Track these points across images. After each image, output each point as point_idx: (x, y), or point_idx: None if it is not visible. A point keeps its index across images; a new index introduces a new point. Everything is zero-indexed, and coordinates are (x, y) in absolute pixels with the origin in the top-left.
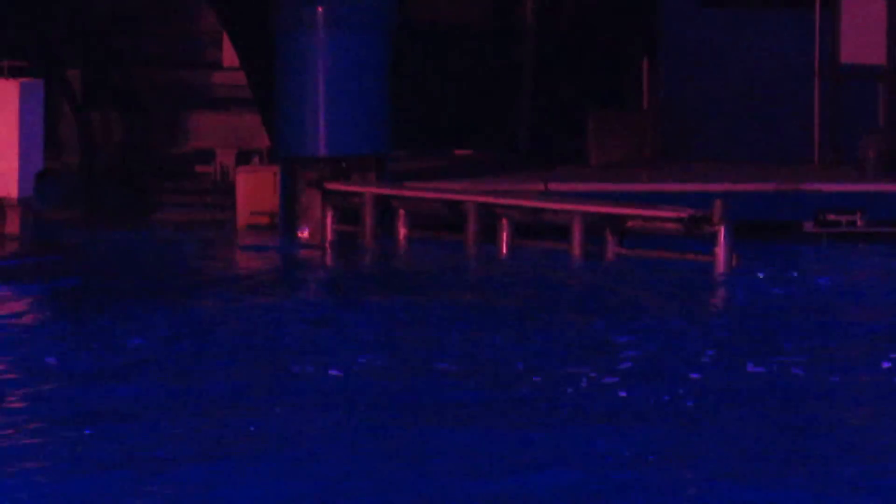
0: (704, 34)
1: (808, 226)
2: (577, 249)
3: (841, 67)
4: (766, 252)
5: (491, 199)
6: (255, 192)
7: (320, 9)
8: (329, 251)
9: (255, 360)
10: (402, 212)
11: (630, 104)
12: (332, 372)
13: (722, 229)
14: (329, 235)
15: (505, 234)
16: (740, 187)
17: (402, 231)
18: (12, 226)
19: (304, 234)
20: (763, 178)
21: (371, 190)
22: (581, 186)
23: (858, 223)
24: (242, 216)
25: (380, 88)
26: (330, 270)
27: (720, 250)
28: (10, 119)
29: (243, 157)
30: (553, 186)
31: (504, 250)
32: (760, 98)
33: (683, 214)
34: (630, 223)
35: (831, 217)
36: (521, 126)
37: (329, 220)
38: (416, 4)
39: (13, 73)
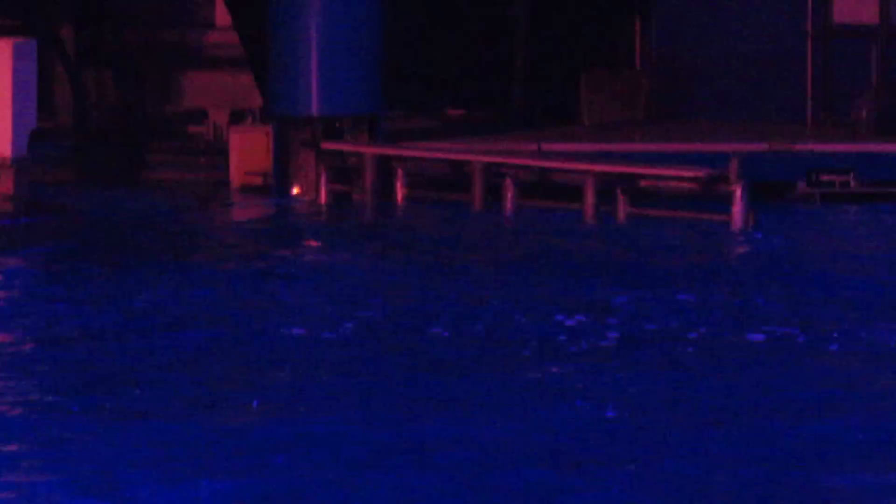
0: None
1: (802, 186)
2: (589, 210)
3: (834, 27)
4: (765, 212)
5: (498, 159)
6: (249, 151)
7: None
8: (325, 210)
9: (247, 322)
10: (400, 171)
11: (622, 63)
12: (326, 334)
13: (739, 188)
14: (323, 195)
15: (510, 195)
16: (733, 147)
17: (401, 191)
18: (5, 186)
19: (297, 192)
20: (756, 138)
21: (371, 150)
22: (574, 146)
23: (852, 184)
24: (236, 176)
25: (373, 48)
26: (328, 229)
27: (737, 209)
28: (4, 79)
29: (236, 117)
30: (546, 146)
31: (509, 211)
32: (753, 58)
33: (700, 174)
34: (643, 182)
35: (825, 178)
36: (513, 85)
37: (323, 180)
38: None
39: (6, 33)
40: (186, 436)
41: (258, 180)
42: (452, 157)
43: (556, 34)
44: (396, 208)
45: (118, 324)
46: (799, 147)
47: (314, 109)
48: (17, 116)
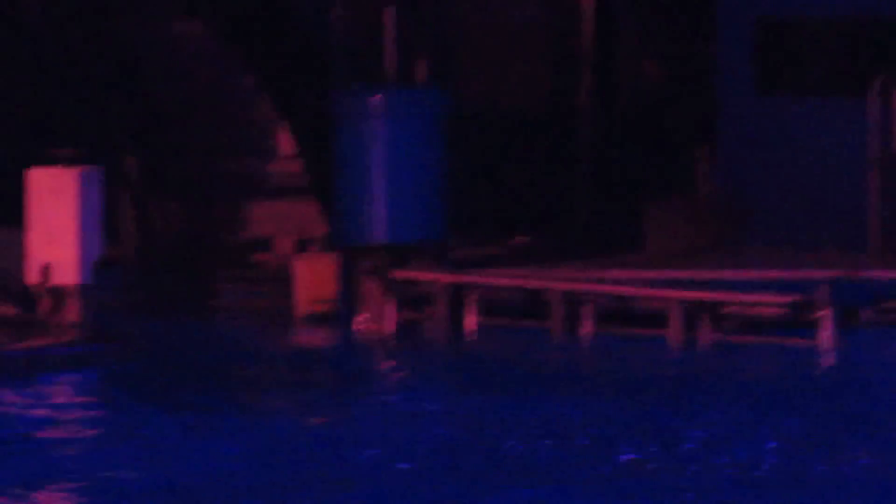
0: (761, 121)
1: (866, 313)
2: (676, 336)
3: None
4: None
5: (579, 286)
6: (314, 279)
7: (378, 97)
8: (393, 339)
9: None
10: (472, 298)
11: (687, 191)
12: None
13: (828, 313)
14: (391, 324)
15: (590, 322)
16: (801, 275)
17: (473, 319)
18: (72, 313)
19: (363, 320)
20: (822, 265)
21: (447, 277)
22: (637, 274)
23: None
24: (301, 304)
25: (437, 176)
26: (402, 359)
27: (826, 334)
28: (70, 207)
29: (301, 245)
30: (610, 275)
31: (588, 338)
32: (816, 186)
33: (789, 299)
34: (727, 309)
35: (890, 304)
36: (578, 212)
37: (391, 309)
38: (472, 92)
39: (72, 162)
40: None
41: (325, 308)
42: (532, 284)
43: (620, 162)
44: (472, 337)
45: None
46: (863, 274)
47: (380, 237)
48: (83, 244)
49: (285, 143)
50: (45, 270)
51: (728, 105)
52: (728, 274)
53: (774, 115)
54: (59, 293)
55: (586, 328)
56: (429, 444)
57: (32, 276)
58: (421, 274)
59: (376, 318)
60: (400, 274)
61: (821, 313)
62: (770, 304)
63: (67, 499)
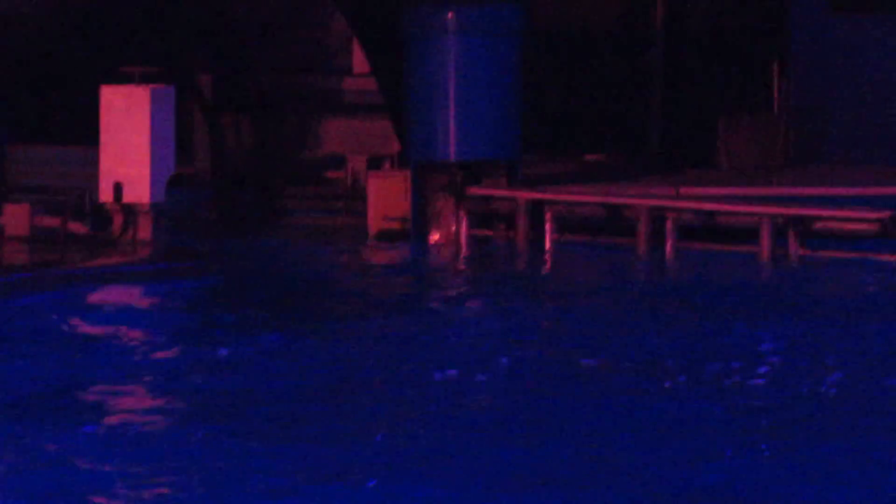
0: (835, 38)
1: None
2: (766, 252)
3: None
4: None
5: (664, 202)
6: (387, 197)
7: (451, 14)
8: (469, 256)
9: (397, 366)
10: (549, 215)
11: (760, 108)
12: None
13: None
14: (464, 241)
15: (672, 238)
16: (883, 191)
17: (552, 235)
18: (144, 231)
19: (436, 238)
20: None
21: (526, 194)
22: (713, 191)
23: None
24: (374, 222)
25: (510, 93)
26: (482, 275)
27: None
28: (143, 125)
29: (374, 163)
30: (685, 191)
31: (671, 254)
32: (891, 103)
33: (883, 215)
34: (818, 224)
35: None
36: (651, 130)
37: (464, 226)
38: (544, 10)
39: (145, 79)
40: None
41: (396, 226)
42: (615, 200)
43: (692, 78)
44: (552, 252)
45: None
46: None
47: (452, 155)
48: (156, 162)
49: (359, 60)
50: (118, 188)
51: (801, 22)
52: (813, 190)
53: (848, 32)
54: (131, 211)
55: (669, 244)
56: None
57: (105, 194)
58: (499, 191)
59: (448, 235)
60: (476, 191)
61: None
62: (862, 221)
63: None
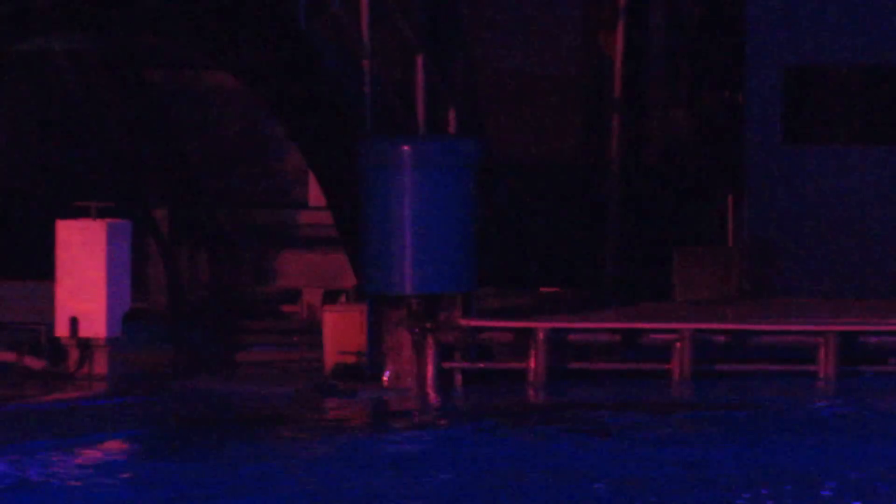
0: (789, 170)
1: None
2: (826, 369)
3: None
4: None
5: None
6: (344, 331)
7: (406, 148)
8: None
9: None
10: (540, 343)
11: (716, 240)
12: None
13: None
14: (430, 377)
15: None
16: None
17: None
18: (100, 366)
19: (389, 374)
20: (858, 314)
21: (545, 324)
22: (670, 325)
23: None
24: (330, 357)
25: (466, 226)
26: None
27: None
28: (99, 259)
29: (330, 296)
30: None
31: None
32: (846, 235)
33: None
34: (861, 339)
35: None
36: (605, 263)
37: (430, 360)
38: (500, 141)
39: (101, 214)
40: None
41: (353, 359)
42: (634, 325)
43: (647, 211)
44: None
45: None
46: None
47: (408, 288)
48: (112, 297)
49: (315, 193)
50: (74, 323)
51: (756, 154)
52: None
53: (803, 163)
54: (87, 346)
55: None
56: None
57: (61, 329)
58: (505, 322)
59: (405, 371)
60: (472, 322)
61: None
62: None
63: None
